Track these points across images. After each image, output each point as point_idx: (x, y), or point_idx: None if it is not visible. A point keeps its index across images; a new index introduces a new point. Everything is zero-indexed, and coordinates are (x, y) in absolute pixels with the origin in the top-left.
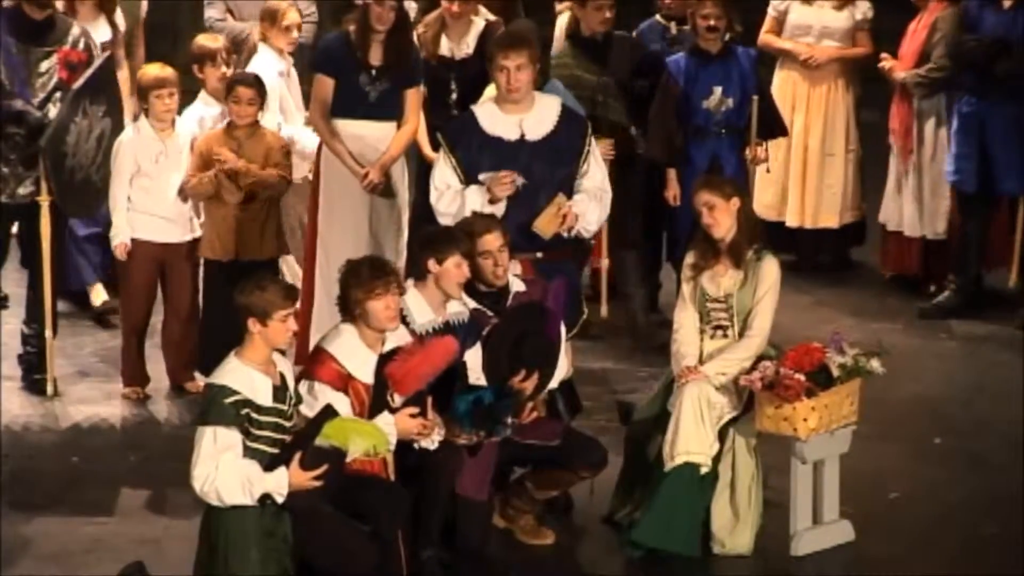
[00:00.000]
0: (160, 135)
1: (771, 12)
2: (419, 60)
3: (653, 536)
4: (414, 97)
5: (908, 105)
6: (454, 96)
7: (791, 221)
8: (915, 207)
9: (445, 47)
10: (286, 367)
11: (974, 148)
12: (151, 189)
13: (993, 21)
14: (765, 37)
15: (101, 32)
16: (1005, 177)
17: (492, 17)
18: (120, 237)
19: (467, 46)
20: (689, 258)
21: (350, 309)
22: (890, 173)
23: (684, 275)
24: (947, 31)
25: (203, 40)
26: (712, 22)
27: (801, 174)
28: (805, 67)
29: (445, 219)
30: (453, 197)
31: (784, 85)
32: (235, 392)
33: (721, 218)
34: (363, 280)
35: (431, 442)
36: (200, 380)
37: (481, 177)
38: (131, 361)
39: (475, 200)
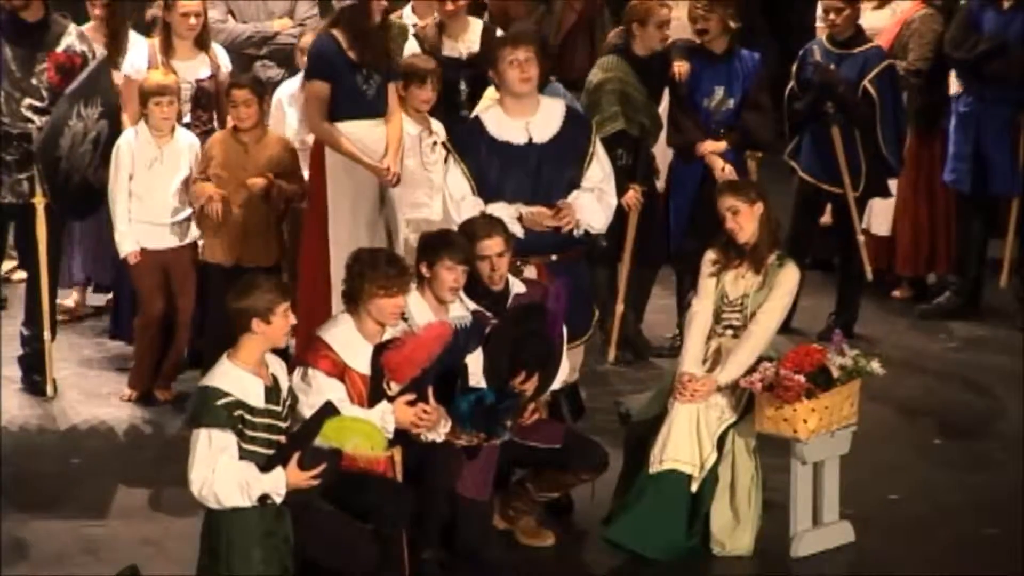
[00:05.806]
0: (157, 141)
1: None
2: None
3: (627, 536)
4: (395, 91)
5: None
6: (463, 96)
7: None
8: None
9: (449, 48)
10: (279, 368)
11: (969, 148)
12: (144, 197)
13: (993, 21)
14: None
15: (200, 69)
16: (996, 178)
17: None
18: (126, 247)
19: (471, 43)
20: (711, 254)
21: (357, 299)
22: None
23: (706, 270)
24: (928, 31)
25: (415, 59)
26: (699, 24)
27: None
28: None
29: None
30: (472, 209)
31: None
32: (226, 394)
33: (745, 223)
34: (380, 275)
35: (437, 434)
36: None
37: (524, 211)
38: (142, 357)
39: (501, 216)
